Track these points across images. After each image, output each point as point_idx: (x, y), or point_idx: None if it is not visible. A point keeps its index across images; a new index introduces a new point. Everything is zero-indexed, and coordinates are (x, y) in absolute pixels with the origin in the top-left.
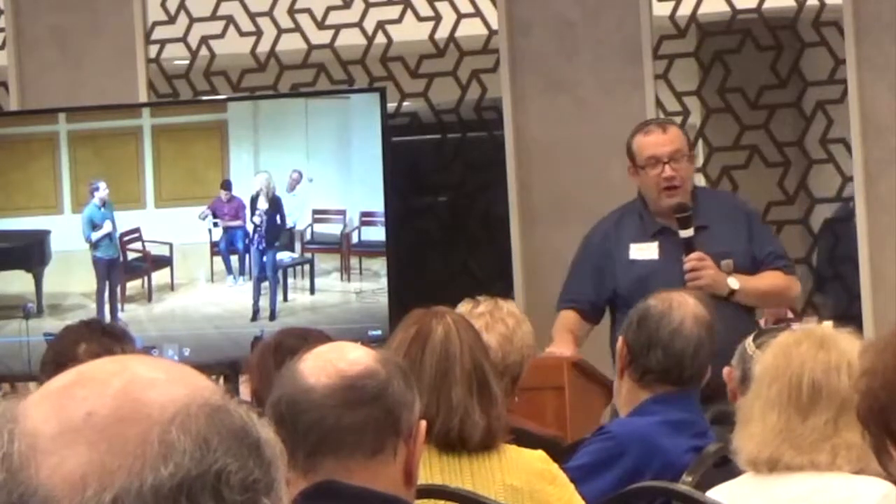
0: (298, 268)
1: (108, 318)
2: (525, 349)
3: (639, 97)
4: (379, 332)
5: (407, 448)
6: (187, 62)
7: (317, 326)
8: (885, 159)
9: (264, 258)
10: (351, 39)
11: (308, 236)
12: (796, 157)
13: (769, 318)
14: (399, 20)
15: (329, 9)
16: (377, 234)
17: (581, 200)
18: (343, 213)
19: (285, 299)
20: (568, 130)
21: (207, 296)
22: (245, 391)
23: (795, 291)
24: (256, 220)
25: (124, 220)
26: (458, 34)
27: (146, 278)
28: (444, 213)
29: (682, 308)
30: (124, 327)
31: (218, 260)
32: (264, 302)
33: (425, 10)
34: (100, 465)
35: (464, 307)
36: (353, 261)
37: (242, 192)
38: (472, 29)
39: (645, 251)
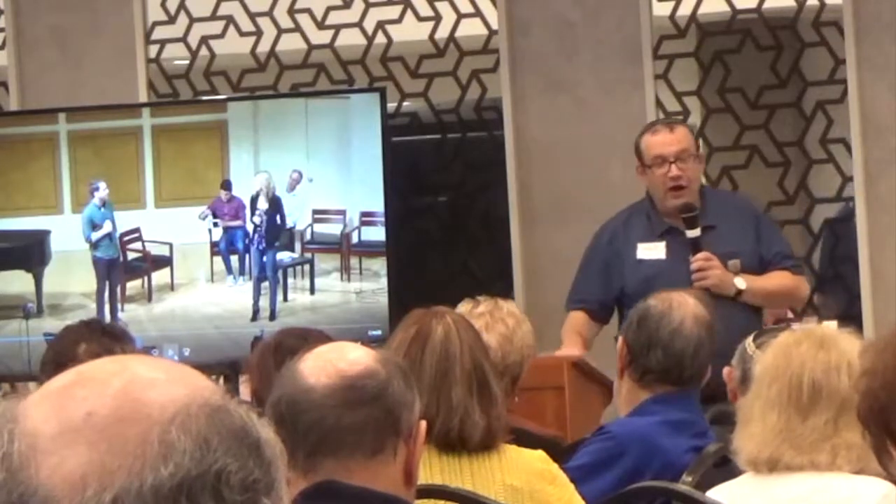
0: (298, 268)
1: (108, 318)
2: (525, 349)
3: (639, 97)
4: (379, 332)
5: (407, 448)
6: (187, 62)
7: (317, 326)
8: (885, 159)
9: (264, 258)
10: (351, 39)
11: (308, 236)
12: (796, 157)
13: (769, 318)
14: (399, 20)
15: (329, 9)
16: (377, 234)
17: (581, 200)
18: (343, 213)
19: (285, 299)
20: (568, 130)
21: (207, 296)
22: (245, 391)
23: (804, 291)
24: (256, 220)
25: (124, 220)
26: (458, 34)
27: (146, 278)
28: (444, 213)
29: (682, 308)
30: (124, 327)
31: (218, 260)
32: (264, 302)
33: (425, 10)
34: (100, 465)
35: (464, 307)
36: (353, 261)
37: (242, 192)
38: (472, 29)
39: (652, 251)
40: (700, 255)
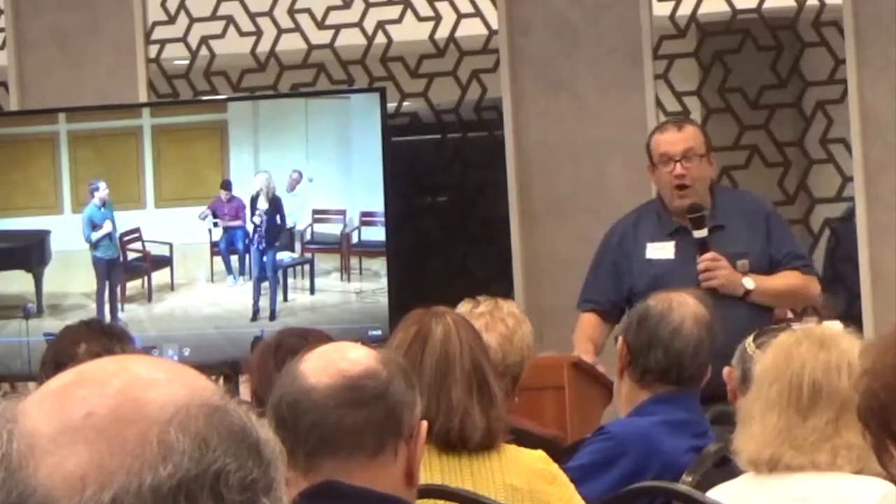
0: (298, 268)
1: (108, 318)
2: (525, 349)
3: (639, 97)
4: (379, 332)
5: (408, 448)
6: (187, 62)
7: (317, 326)
8: (885, 159)
9: (264, 258)
10: (351, 39)
11: (308, 236)
12: (796, 157)
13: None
14: (399, 20)
15: (329, 9)
16: (377, 234)
17: (581, 200)
18: (343, 213)
19: (285, 299)
20: (568, 130)
21: (207, 296)
22: (245, 391)
23: (814, 291)
24: (256, 220)
25: (124, 220)
26: (458, 34)
27: (146, 278)
28: (444, 213)
29: (682, 308)
30: (124, 327)
31: (218, 260)
32: (264, 302)
33: (425, 10)
34: (99, 465)
35: (464, 307)
36: (353, 261)
37: (242, 192)
38: (472, 29)
39: (661, 250)
40: (707, 255)
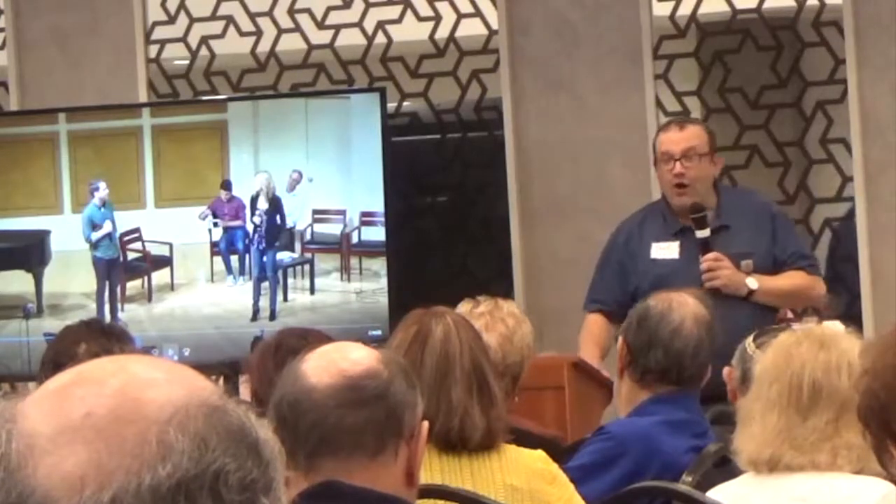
0: (298, 268)
1: (108, 318)
2: (525, 349)
3: (639, 97)
4: (379, 332)
5: (409, 449)
6: (187, 62)
7: (317, 326)
8: (885, 159)
9: (264, 258)
10: (351, 39)
11: (308, 236)
12: (796, 157)
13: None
14: (399, 20)
15: (329, 9)
16: (377, 234)
17: (581, 200)
18: (343, 213)
19: (285, 299)
20: (568, 130)
21: (207, 296)
22: (245, 391)
23: (819, 291)
24: (256, 220)
25: (124, 220)
26: (458, 34)
27: (146, 278)
28: (444, 213)
29: (682, 308)
30: (124, 327)
31: (218, 260)
32: (264, 302)
33: (425, 10)
34: (98, 465)
35: (464, 307)
36: (353, 261)
37: (242, 192)
38: (472, 29)
39: (666, 250)
40: (709, 255)
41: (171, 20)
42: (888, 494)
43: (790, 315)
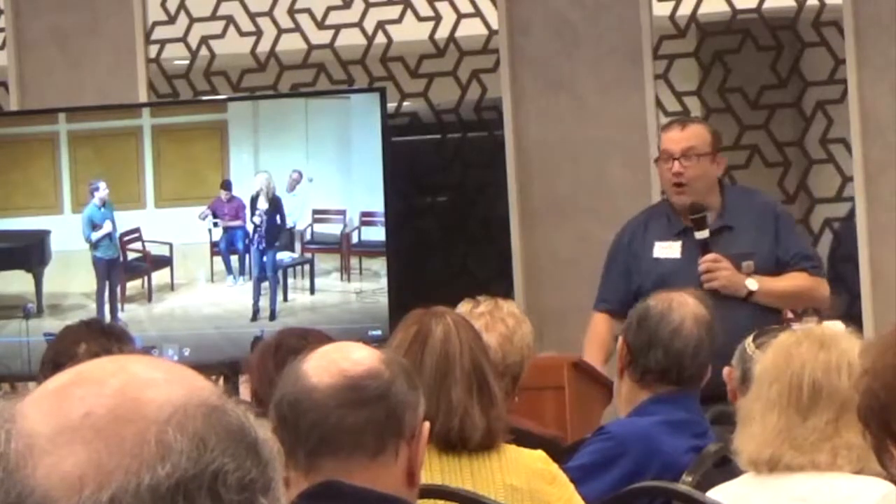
0: (298, 268)
1: (108, 318)
2: (525, 349)
3: (639, 97)
4: (379, 332)
5: (409, 449)
6: (187, 62)
7: (317, 326)
8: (885, 159)
9: (264, 258)
10: (351, 39)
11: (308, 236)
12: (796, 157)
13: None
14: (399, 20)
15: (329, 9)
16: (377, 234)
17: (581, 200)
18: (343, 213)
19: (285, 299)
20: (568, 130)
21: (207, 296)
22: (245, 391)
23: (822, 292)
24: (256, 220)
25: (124, 220)
26: (458, 34)
27: (146, 278)
28: (444, 213)
29: (682, 308)
30: (124, 327)
31: (218, 260)
32: (264, 302)
33: (425, 10)
34: (97, 465)
35: (464, 307)
36: (353, 261)
37: (242, 192)
38: (472, 29)
39: (668, 250)
40: (708, 256)
41: (171, 20)
42: (888, 494)
43: (790, 315)
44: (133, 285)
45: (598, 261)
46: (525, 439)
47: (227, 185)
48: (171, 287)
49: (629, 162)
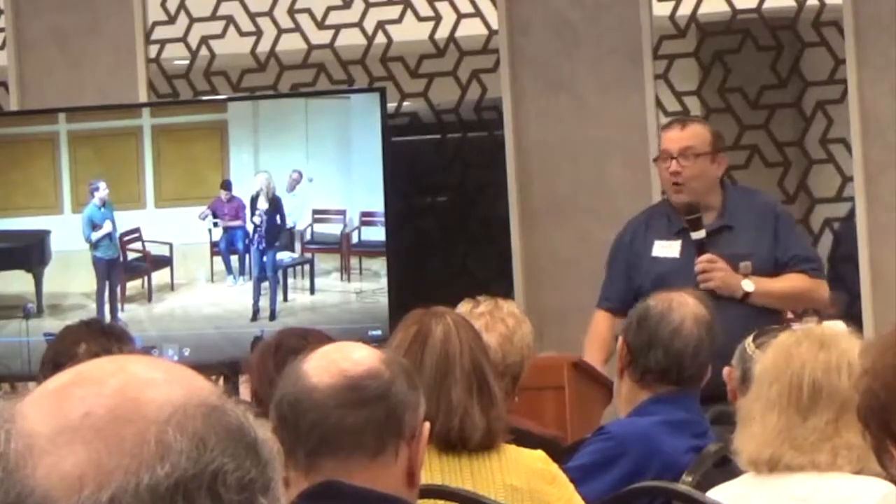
0: (298, 268)
1: (108, 318)
2: (525, 349)
3: (639, 97)
4: (379, 332)
5: (409, 449)
6: (187, 62)
7: (317, 326)
8: (885, 159)
9: (264, 258)
10: (351, 39)
11: (308, 236)
12: (796, 157)
13: None
14: (399, 20)
15: (329, 9)
16: (377, 234)
17: (581, 200)
18: (343, 213)
19: (285, 299)
20: (568, 130)
21: (207, 296)
22: (245, 391)
23: (822, 295)
24: (256, 220)
25: (124, 220)
26: (458, 34)
27: (146, 278)
28: (444, 213)
29: (682, 308)
30: (124, 327)
31: (218, 260)
32: (264, 302)
33: (425, 10)
34: (97, 465)
35: (464, 307)
36: (353, 261)
37: (242, 192)
38: (472, 29)
39: (667, 249)
40: (704, 256)
41: (171, 20)
42: (888, 494)
43: (790, 315)
44: (133, 285)
45: (599, 261)
46: (525, 439)
47: (227, 185)
48: (171, 287)
49: (629, 162)
